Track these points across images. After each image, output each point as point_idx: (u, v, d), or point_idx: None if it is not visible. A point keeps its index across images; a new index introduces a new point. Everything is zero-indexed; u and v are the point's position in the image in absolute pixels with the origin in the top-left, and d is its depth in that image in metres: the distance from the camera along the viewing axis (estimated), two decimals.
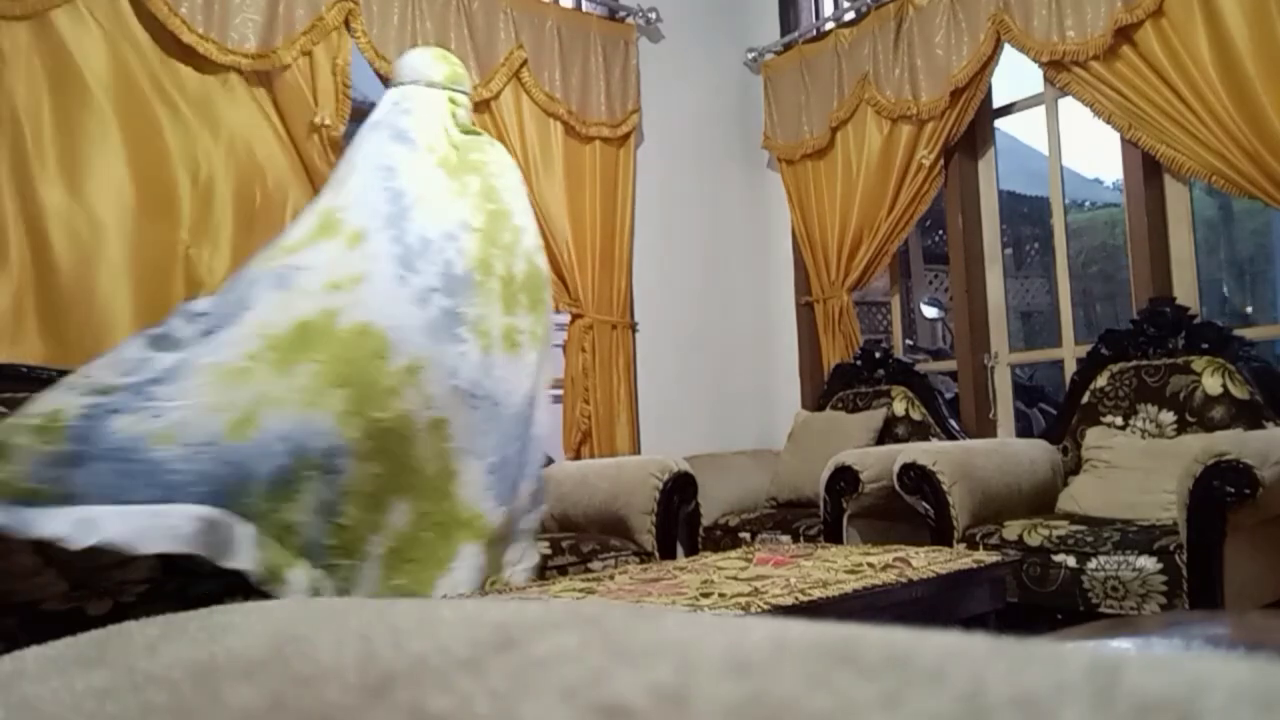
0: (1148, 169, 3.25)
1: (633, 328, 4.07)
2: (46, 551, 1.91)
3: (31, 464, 1.81)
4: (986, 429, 3.76)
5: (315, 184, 3.20)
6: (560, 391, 3.82)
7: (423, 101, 2.56)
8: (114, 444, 1.85)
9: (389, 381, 2.12)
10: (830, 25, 4.31)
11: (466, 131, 2.60)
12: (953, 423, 3.61)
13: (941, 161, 3.82)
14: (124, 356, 2.02)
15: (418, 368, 2.16)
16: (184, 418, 1.91)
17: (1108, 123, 3.24)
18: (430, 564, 2.16)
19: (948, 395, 3.95)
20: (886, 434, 3.68)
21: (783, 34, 4.53)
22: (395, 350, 2.14)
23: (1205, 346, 2.89)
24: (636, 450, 3.96)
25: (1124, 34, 3.14)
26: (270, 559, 1.96)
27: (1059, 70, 3.33)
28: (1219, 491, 2.21)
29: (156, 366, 1.98)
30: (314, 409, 2.02)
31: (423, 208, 2.33)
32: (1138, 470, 2.77)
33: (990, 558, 2.18)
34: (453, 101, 2.61)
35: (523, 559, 2.40)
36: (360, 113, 2.90)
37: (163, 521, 1.84)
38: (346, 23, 3.28)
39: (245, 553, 1.93)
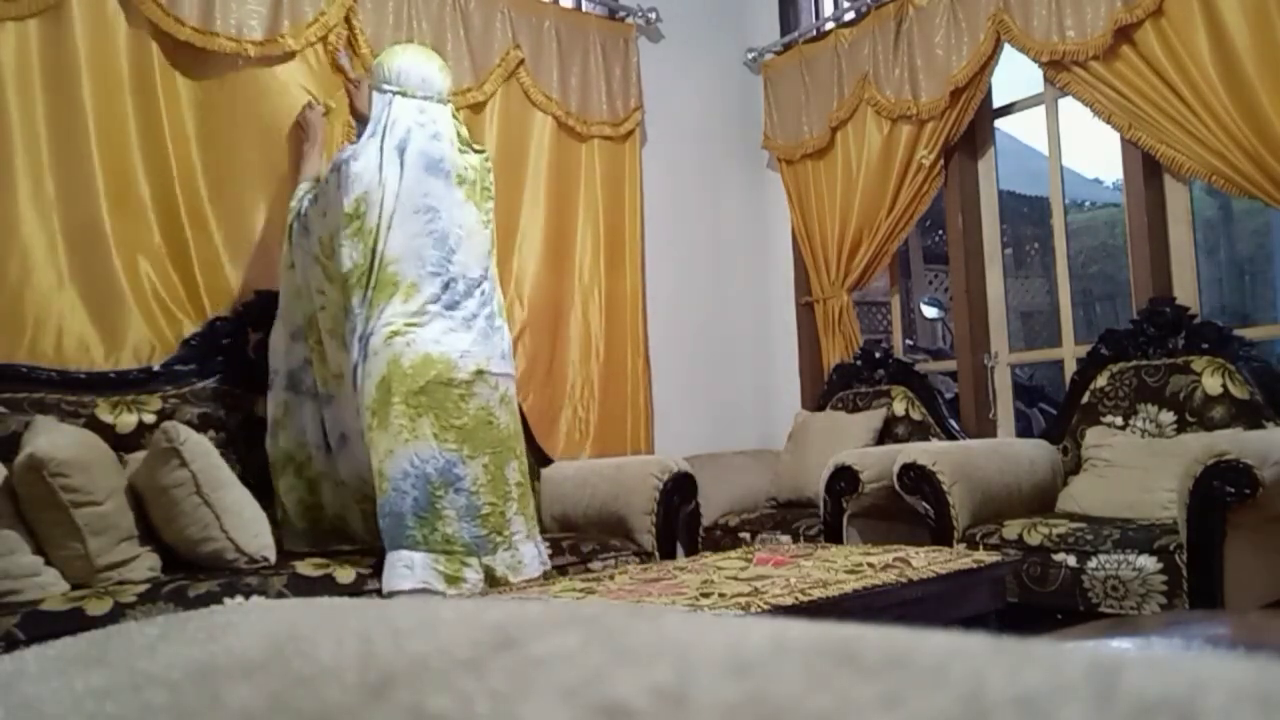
0: (1148, 169, 3.25)
1: (645, 327, 4.06)
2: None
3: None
4: (986, 429, 3.76)
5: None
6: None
7: (445, 122, 2.66)
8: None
9: (459, 390, 2.48)
10: (830, 25, 4.31)
11: (470, 147, 2.72)
12: (953, 423, 3.61)
13: (941, 161, 3.82)
14: None
15: (482, 369, 2.54)
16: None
17: (1108, 123, 3.24)
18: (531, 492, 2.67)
19: (948, 395, 3.95)
20: (886, 434, 3.68)
21: (783, 34, 4.53)
22: (458, 366, 2.48)
23: (1205, 346, 2.89)
24: (650, 451, 3.95)
25: (1124, 34, 3.14)
26: (447, 570, 2.38)
27: (1059, 70, 3.33)
28: (1219, 491, 2.21)
29: None
30: (415, 442, 2.40)
31: (463, 249, 2.59)
32: (1137, 469, 2.77)
33: (990, 558, 2.18)
34: (455, 115, 2.74)
35: None
36: None
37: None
38: (346, 19, 3.28)
39: (423, 573, 2.35)
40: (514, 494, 2.57)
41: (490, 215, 2.72)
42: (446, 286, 2.53)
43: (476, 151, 2.75)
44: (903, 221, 3.95)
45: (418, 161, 2.56)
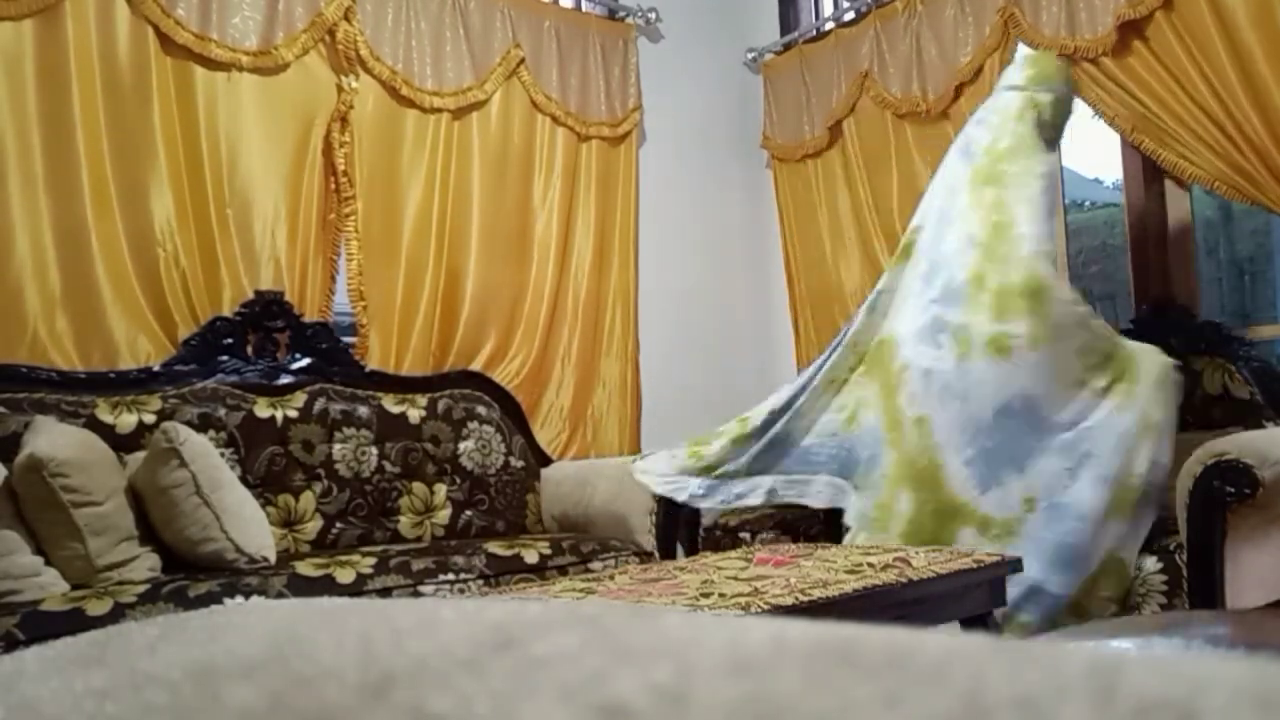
0: (1148, 170, 3.24)
1: (636, 327, 4.07)
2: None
3: (721, 451, 2.79)
4: None
5: (312, 183, 3.20)
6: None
7: (997, 109, 2.68)
8: (779, 434, 2.75)
9: (892, 380, 2.57)
10: (830, 25, 4.31)
11: (1021, 139, 2.60)
12: None
13: None
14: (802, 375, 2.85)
15: (904, 367, 2.54)
16: (822, 419, 2.73)
17: (1110, 124, 3.20)
18: (937, 545, 2.43)
19: None
20: None
21: (783, 34, 4.53)
22: (896, 353, 2.57)
23: (1205, 347, 2.88)
24: (638, 449, 3.95)
25: (1135, 29, 3.09)
26: (858, 518, 2.62)
27: (1073, 65, 3.30)
28: (1219, 491, 2.21)
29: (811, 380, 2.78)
30: (874, 409, 2.61)
31: (952, 225, 2.58)
32: None
33: (990, 557, 2.18)
34: (1034, 103, 2.65)
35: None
36: None
37: (813, 488, 2.74)
38: (346, 19, 3.28)
39: (852, 510, 2.63)
40: (901, 516, 2.52)
41: (985, 203, 2.56)
42: (929, 259, 2.62)
43: (1029, 142, 2.61)
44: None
45: (956, 145, 2.74)
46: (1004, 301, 2.41)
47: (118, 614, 1.95)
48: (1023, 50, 2.84)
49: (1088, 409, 2.39)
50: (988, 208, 2.51)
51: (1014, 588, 2.33)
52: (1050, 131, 2.63)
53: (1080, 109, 3.33)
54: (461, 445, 3.19)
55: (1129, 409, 2.40)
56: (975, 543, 2.42)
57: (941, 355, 2.46)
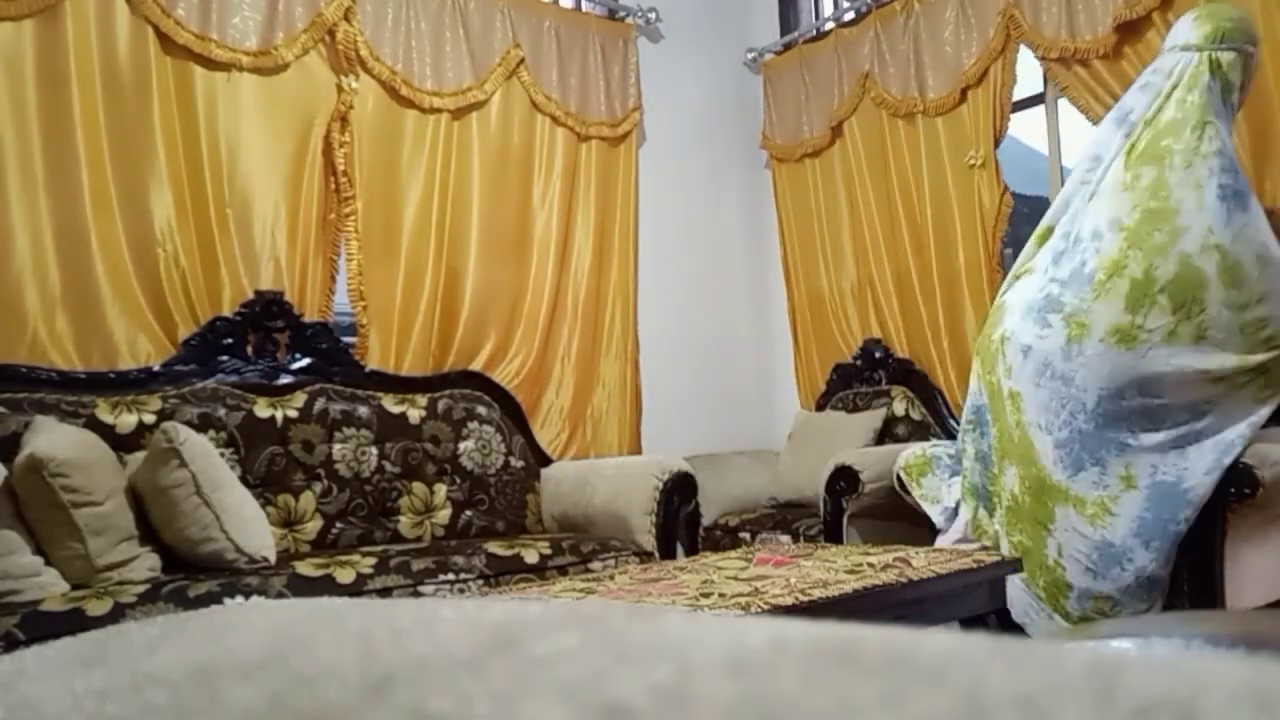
0: None
1: (635, 327, 4.07)
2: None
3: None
4: None
5: (313, 183, 3.20)
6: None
7: (1165, 71, 2.39)
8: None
9: (994, 347, 2.51)
10: (830, 25, 4.31)
11: (1191, 110, 2.30)
12: (953, 422, 3.61)
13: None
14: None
15: (1006, 338, 2.47)
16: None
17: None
18: (1035, 523, 2.41)
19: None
20: (886, 434, 3.67)
21: (783, 34, 4.53)
22: (1000, 322, 2.52)
23: None
24: (638, 450, 3.96)
25: (1133, 30, 3.09)
26: (972, 489, 2.64)
27: (1066, 67, 3.30)
28: (1219, 491, 2.21)
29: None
30: (976, 377, 2.64)
31: (1096, 202, 2.36)
32: None
33: (990, 558, 2.18)
34: (1212, 65, 2.32)
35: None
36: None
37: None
38: (345, 19, 3.28)
39: (962, 484, 2.69)
40: (1006, 492, 2.49)
41: (1141, 185, 2.28)
42: (1065, 237, 2.41)
43: (1197, 113, 2.29)
44: None
45: (1113, 113, 2.48)
46: (1143, 291, 2.18)
47: (118, 614, 1.95)
48: (1202, 7, 2.46)
49: (1220, 396, 2.18)
50: (1144, 191, 2.24)
51: (1125, 573, 2.26)
52: (1238, 96, 2.36)
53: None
54: (461, 445, 3.19)
55: (1272, 400, 2.21)
56: (1072, 521, 2.32)
57: (1047, 335, 2.32)
